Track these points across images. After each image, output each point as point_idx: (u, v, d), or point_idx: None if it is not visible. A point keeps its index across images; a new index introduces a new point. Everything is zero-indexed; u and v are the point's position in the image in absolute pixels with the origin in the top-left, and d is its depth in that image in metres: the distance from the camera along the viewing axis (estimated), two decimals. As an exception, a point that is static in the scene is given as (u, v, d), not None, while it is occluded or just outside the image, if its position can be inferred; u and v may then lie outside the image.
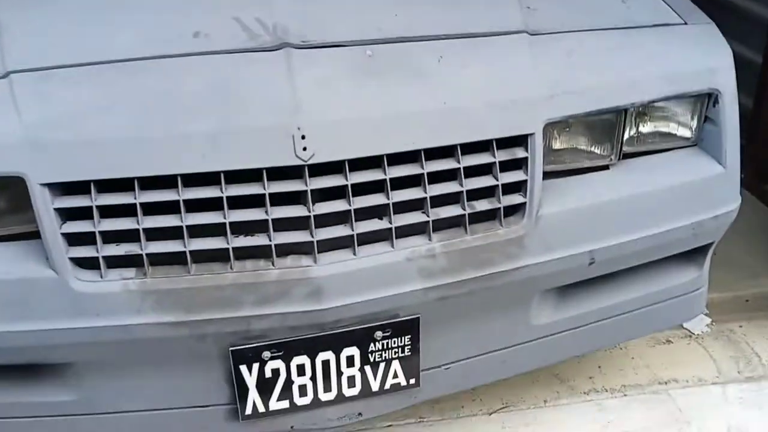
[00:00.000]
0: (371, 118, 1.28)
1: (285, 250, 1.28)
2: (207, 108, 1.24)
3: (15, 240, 1.28)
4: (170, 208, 1.23)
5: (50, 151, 1.20)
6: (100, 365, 1.32)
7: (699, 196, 1.56)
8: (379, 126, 1.28)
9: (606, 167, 1.50)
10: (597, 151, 1.49)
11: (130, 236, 1.23)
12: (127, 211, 1.23)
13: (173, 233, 1.24)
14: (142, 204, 1.22)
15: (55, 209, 1.21)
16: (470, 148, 1.32)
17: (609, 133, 1.47)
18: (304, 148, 1.23)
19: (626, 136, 1.50)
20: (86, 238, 1.23)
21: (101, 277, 1.23)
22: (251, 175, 1.24)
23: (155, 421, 1.39)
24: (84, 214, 1.23)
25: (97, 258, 1.23)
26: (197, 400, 1.39)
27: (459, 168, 1.31)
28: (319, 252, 1.28)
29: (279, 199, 1.26)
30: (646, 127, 1.53)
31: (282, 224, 1.26)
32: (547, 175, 1.40)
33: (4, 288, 1.23)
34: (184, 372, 1.35)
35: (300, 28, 1.35)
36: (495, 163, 1.33)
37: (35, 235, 1.24)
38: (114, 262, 1.24)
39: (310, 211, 1.25)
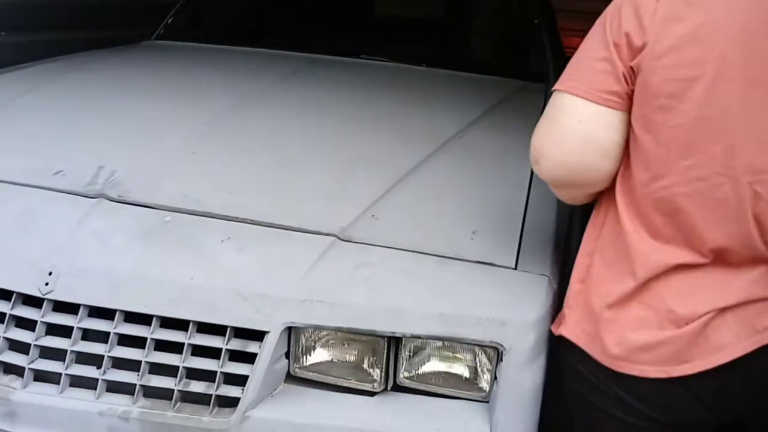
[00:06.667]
0: (117, 275, 1.34)
1: (7, 368, 1.37)
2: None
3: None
4: None
5: None
6: None
7: None
8: (120, 283, 1.34)
9: (371, 393, 1.39)
10: (361, 373, 1.38)
11: None
12: None
13: None
14: None
15: None
16: (206, 328, 1.34)
17: (374, 357, 1.37)
18: (46, 284, 1.32)
19: (401, 367, 1.37)
20: None
21: None
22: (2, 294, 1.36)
23: None
24: None
25: None
26: None
27: (184, 343, 1.33)
28: (35, 380, 1.34)
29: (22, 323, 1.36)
30: (426, 365, 1.38)
31: (16, 346, 1.36)
32: (306, 382, 1.38)
33: None
34: None
35: (129, 185, 1.51)
36: (222, 349, 1.33)
37: None
38: None
39: (32, 341, 1.33)
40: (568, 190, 1.29)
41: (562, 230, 1.59)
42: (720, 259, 1.14)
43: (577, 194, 1.29)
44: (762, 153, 1.08)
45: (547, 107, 1.23)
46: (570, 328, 1.26)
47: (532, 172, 1.73)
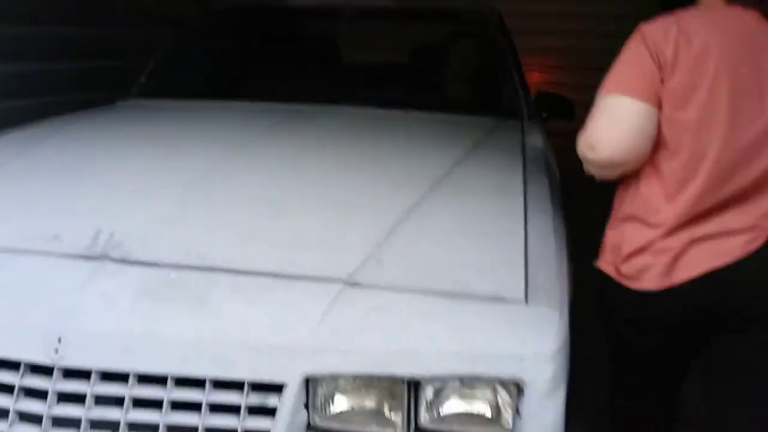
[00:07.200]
0: (128, 336, 1.33)
1: None
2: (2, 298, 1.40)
3: None
4: None
5: None
6: None
7: None
8: (132, 344, 1.33)
9: None
10: (382, 419, 1.36)
11: None
12: None
13: None
14: None
15: None
16: (223, 384, 1.32)
17: (395, 401, 1.36)
18: (56, 351, 1.31)
19: (422, 409, 1.36)
20: None
21: None
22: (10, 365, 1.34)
23: None
24: None
25: None
26: None
27: (202, 402, 1.31)
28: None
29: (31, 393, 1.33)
30: (446, 406, 1.36)
31: (27, 417, 1.32)
32: None
33: None
34: None
35: (130, 245, 1.50)
36: (242, 405, 1.31)
37: None
38: None
39: (45, 411, 1.30)
40: (610, 169, 1.68)
41: (563, 258, 1.62)
42: (710, 208, 1.58)
43: (613, 173, 1.69)
44: (745, 135, 1.56)
45: (601, 108, 1.63)
46: (603, 262, 1.73)
47: (525, 206, 1.77)
